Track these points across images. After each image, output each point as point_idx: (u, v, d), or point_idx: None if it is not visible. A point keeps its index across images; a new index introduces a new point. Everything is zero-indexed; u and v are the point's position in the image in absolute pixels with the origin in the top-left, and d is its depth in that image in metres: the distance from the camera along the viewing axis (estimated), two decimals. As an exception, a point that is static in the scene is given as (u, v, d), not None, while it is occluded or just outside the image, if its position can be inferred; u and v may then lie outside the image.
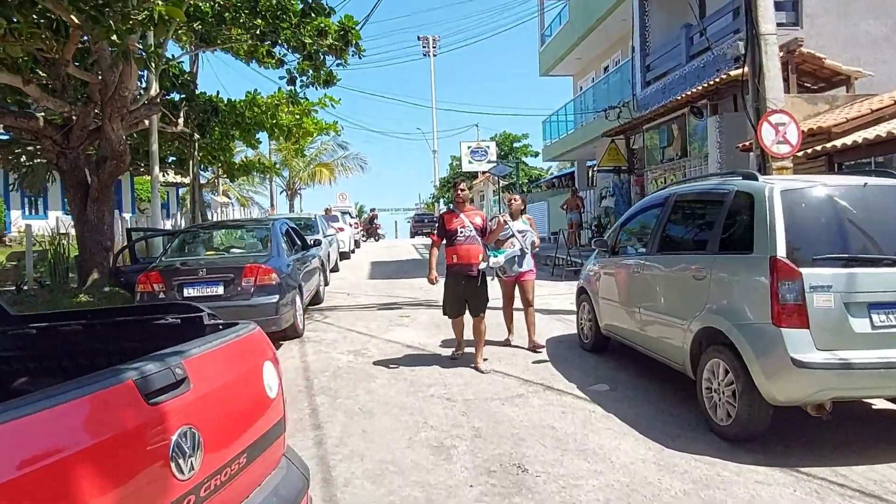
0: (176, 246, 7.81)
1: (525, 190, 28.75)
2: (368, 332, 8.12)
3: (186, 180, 28.01)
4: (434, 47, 49.96)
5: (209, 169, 18.14)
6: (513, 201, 6.94)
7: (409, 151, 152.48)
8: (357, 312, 9.60)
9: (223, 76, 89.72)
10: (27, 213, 20.94)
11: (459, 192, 6.16)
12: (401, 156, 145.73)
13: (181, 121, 12.88)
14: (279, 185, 33.98)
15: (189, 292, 6.82)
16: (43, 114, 8.94)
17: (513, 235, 6.49)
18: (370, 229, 18.58)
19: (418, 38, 50.30)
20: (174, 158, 17.63)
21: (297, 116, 16.70)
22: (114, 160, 8.90)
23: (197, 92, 14.41)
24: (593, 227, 16.06)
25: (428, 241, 35.29)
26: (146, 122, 11.27)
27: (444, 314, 6.41)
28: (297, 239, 9.41)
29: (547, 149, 25.11)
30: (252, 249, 7.86)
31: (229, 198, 42.05)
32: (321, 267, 10.55)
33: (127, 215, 22.68)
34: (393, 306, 10.07)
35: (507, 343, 7.10)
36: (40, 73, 7.88)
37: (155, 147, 11.13)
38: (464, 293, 6.01)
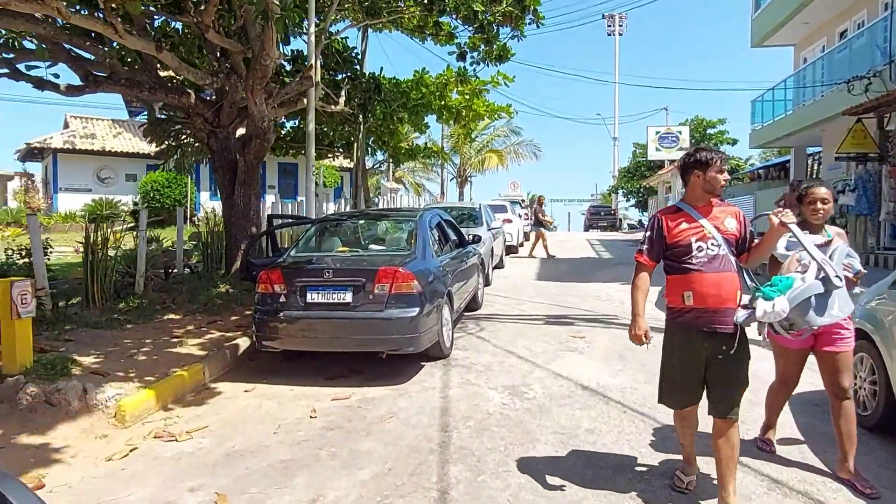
0: (310, 238, 6.66)
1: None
2: (531, 356, 6.35)
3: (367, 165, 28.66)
4: (620, 25, 46.40)
5: (377, 153, 17.55)
6: (817, 199, 3.61)
7: (585, 138, 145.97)
8: (519, 326, 7.86)
9: (391, 55, 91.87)
10: (214, 194, 22.14)
11: (713, 172, 3.19)
12: (576, 142, 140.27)
13: (342, 100, 12.04)
14: (450, 172, 33.39)
15: (313, 297, 5.56)
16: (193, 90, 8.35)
17: (804, 251, 3.29)
18: (538, 219, 16.58)
19: (603, 17, 46.87)
20: (344, 143, 17.22)
21: (467, 97, 15.29)
22: (257, 139, 8.06)
23: (361, 70, 13.59)
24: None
25: (605, 235, 32.60)
26: (304, 101, 10.48)
27: (661, 401, 3.55)
28: (452, 234, 7.90)
29: (756, 133, 21.24)
30: (394, 246, 6.44)
31: (403, 184, 42.70)
32: (481, 267, 8.97)
33: (301, 199, 23.34)
34: (563, 320, 8.18)
35: (765, 445, 4.04)
36: (175, 40, 7.24)
37: (311, 127, 10.30)
38: (703, 366, 3.24)
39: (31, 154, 25.05)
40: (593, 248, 20.73)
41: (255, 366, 6.16)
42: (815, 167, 23.44)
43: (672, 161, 30.89)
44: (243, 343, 6.40)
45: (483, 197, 40.08)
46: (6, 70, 7.71)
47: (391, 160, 17.07)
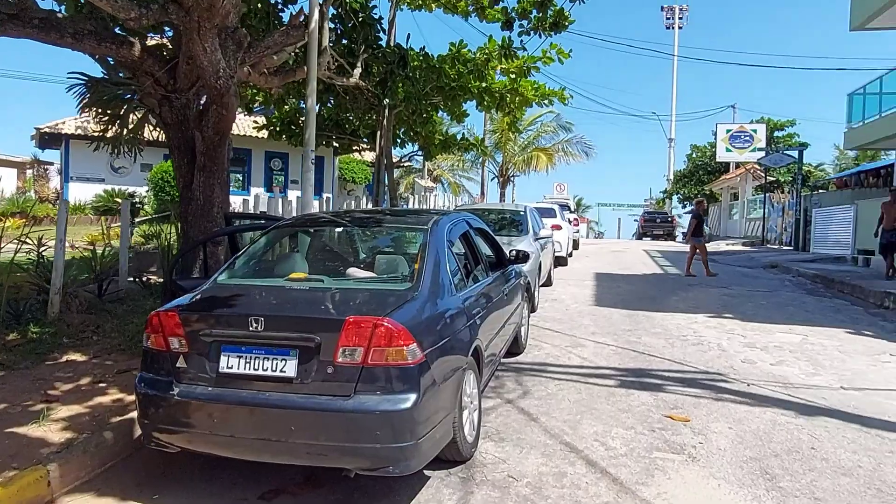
0: (255, 254, 4.20)
1: (805, 189, 21.61)
2: (610, 464, 3.78)
3: (404, 162, 25.89)
4: (680, 18, 43.03)
5: (406, 144, 15.16)
6: None
7: (639, 138, 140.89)
8: (582, 388, 5.28)
9: (426, 32, 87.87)
10: (243, 188, 20.16)
11: None
12: (630, 142, 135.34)
13: (358, 71, 9.64)
14: (491, 172, 30.79)
15: (231, 364, 3.12)
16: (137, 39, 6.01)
17: None
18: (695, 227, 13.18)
19: (662, 9, 43.46)
20: (370, 133, 14.85)
21: (513, 76, 12.73)
22: (214, 104, 5.70)
23: (388, 40, 11.19)
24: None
25: (663, 245, 29.59)
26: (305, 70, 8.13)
27: None
28: (485, 248, 5.39)
29: (853, 133, 18.01)
30: (388, 274, 3.88)
31: (442, 183, 40.24)
32: (526, 294, 6.43)
33: (327, 195, 21.15)
34: (647, 380, 5.56)
35: None
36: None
37: (311, 101, 7.95)
38: None
39: (44, 140, 23.55)
40: (655, 260, 17.86)
41: (151, 463, 3.76)
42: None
43: (749, 163, 27.54)
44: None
45: (526, 199, 37.41)
46: None
47: (422, 152, 14.61)
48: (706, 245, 14.41)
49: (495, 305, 4.76)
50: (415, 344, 3.01)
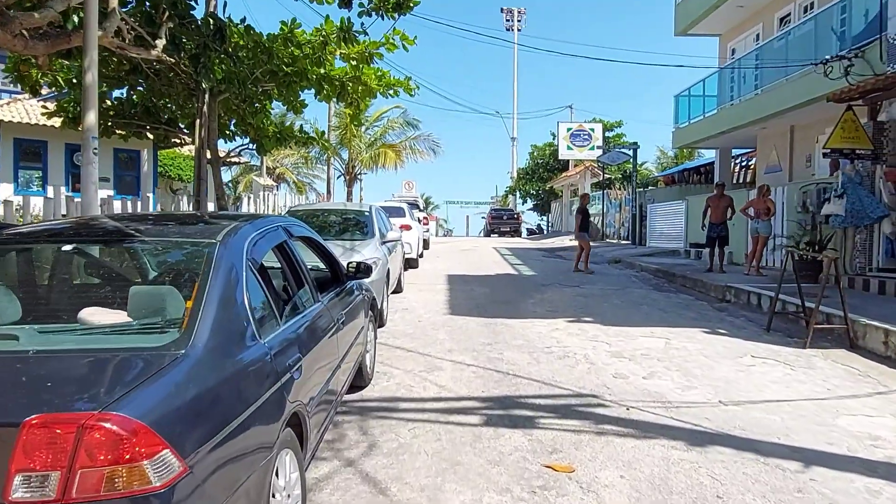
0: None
1: (638, 185, 22.75)
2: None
3: (241, 158, 23.36)
4: (519, 20, 44.34)
5: (236, 137, 13.35)
6: None
7: (484, 137, 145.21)
8: (438, 433, 4.25)
9: (255, 10, 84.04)
10: (19, 187, 16.81)
11: None
12: (475, 141, 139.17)
13: (161, 43, 7.89)
14: (337, 169, 29.24)
15: None
16: None
17: None
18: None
19: (501, 11, 44.48)
20: (190, 122, 12.80)
21: (354, 63, 11.54)
22: None
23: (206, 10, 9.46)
24: (801, 245, 10.21)
25: (511, 242, 30.21)
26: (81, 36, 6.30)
27: None
28: (315, 262, 4.19)
29: (680, 132, 19.08)
30: (145, 317, 2.45)
31: (287, 182, 37.80)
32: (371, 313, 5.30)
33: (151, 195, 18.42)
34: (517, 414, 4.66)
35: None
36: None
37: (91, 77, 6.16)
38: None
39: None
40: (506, 259, 17.60)
41: None
42: (737, 170, 21.86)
43: (587, 161, 28.64)
44: None
45: (375, 198, 36.27)
46: None
47: (254, 146, 12.88)
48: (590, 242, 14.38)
49: (328, 339, 3.57)
50: (167, 450, 1.74)
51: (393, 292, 9.76)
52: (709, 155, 26.39)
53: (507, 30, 44.88)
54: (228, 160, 16.51)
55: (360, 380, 4.99)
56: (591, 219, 13.11)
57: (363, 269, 4.61)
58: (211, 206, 13.71)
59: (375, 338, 5.74)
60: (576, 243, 15.15)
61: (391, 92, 13.44)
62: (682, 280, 12.11)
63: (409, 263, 14.07)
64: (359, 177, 30.34)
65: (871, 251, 9.76)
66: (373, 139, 30.17)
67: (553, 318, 8.31)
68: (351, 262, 4.63)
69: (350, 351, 4.23)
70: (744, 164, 21.68)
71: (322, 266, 4.53)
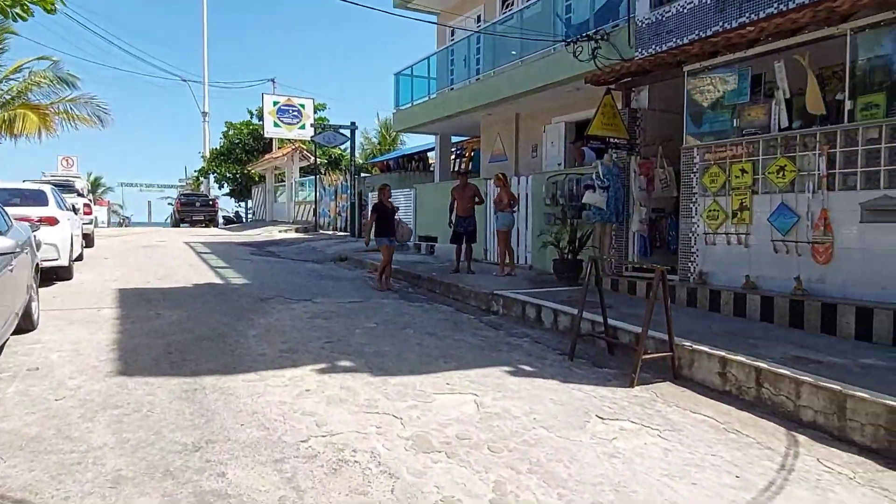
0: None
1: (353, 171, 20.65)
2: None
3: None
4: (210, -22, 38.59)
5: None
6: None
7: (170, 110, 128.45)
8: None
9: None
10: None
11: None
12: (158, 114, 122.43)
13: None
14: (-51, 135, 20.93)
15: None
16: None
17: None
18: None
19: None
20: None
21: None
22: None
23: None
24: (562, 244, 9.15)
25: (206, 234, 25.67)
26: None
27: None
28: None
29: (403, 114, 17.54)
30: None
31: None
32: None
33: None
34: None
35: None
36: None
37: None
38: None
39: None
40: (205, 259, 13.85)
41: None
42: (453, 158, 21.37)
43: (291, 141, 25.36)
44: None
45: (10, 176, 27.59)
46: None
47: None
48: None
49: None
50: None
51: (17, 332, 5.81)
52: (417, 142, 25.89)
53: (196, -13, 38.78)
54: None
55: None
56: (396, 216, 10.29)
57: None
58: None
59: None
60: (287, 236, 12.27)
61: (20, 11, 8.77)
62: (429, 284, 10.32)
63: (54, 274, 9.63)
64: (-15, 147, 22.33)
65: (627, 249, 9.15)
66: (9, 97, 22.50)
67: (295, 367, 5.51)
68: None
69: None
70: (458, 152, 21.32)
71: None
